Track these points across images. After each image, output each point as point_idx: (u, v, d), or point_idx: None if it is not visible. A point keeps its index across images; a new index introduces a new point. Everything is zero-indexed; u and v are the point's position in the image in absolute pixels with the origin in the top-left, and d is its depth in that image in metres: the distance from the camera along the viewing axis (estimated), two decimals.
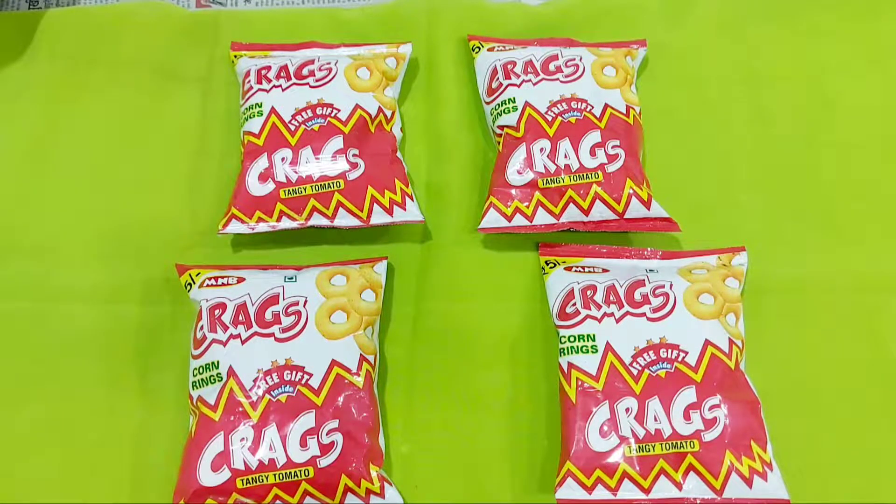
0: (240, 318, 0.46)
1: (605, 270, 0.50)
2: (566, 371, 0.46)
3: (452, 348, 0.50)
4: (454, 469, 0.47)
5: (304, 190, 0.50)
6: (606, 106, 0.53)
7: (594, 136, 0.51)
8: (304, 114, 0.52)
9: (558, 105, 0.52)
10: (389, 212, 0.50)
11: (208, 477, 0.42)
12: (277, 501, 0.43)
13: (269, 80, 0.54)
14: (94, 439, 0.47)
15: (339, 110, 0.52)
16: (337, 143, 0.51)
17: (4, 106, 0.57)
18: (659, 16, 0.60)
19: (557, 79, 0.54)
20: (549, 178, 0.51)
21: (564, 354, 0.47)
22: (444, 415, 0.48)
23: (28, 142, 0.56)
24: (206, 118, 0.57)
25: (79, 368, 0.49)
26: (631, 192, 0.50)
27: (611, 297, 0.48)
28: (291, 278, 0.48)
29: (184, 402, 0.46)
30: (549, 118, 0.52)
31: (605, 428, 0.44)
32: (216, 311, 0.46)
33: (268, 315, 0.46)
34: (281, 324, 0.46)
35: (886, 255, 0.52)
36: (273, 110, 0.52)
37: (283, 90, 0.53)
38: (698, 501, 0.43)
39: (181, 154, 0.55)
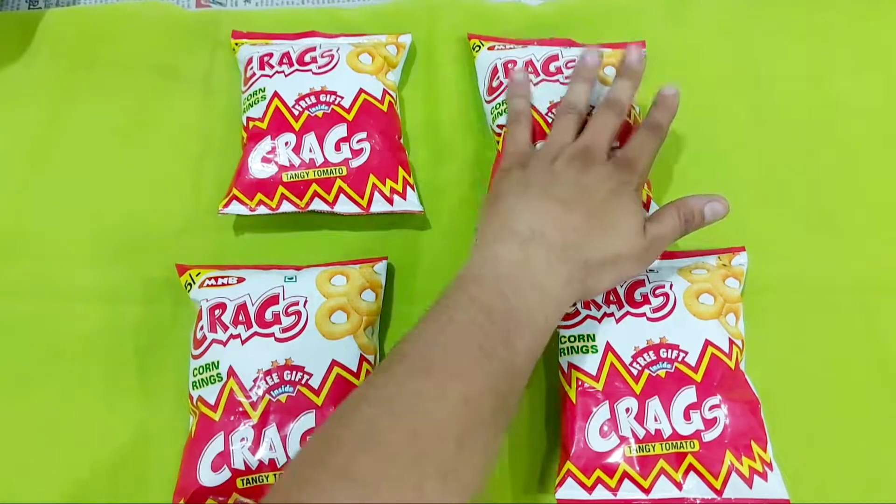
0: (240, 318, 0.46)
1: None
2: (566, 371, 0.46)
3: None
4: None
5: (307, 174, 0.50)
6: None
7: None
8: (307, 99, 0.52)
9: (558, 106, 0.52)
10: (389, 201, 0.51)
11: (208, 477, 0.43)
12: None
13: (272, 67, 0.54)
14: (94, 439, 0.48)
15: (342, 97, 0.53)
16: (340, 131, 0.52)
17: (4, 106, 0.58)
18: (659, 16, 0.61)
19: (558, 80, 0.54)
20: None
21: (564, 354, 0.47)
22: None
23: (29, 142, 0.56)
24: (207, 118, 0.57)
25: (79, 368, 0.49)
26: None
27: (611, 297, 0.48)
28: (291, 278, 0.48)
29: (184, 401, 0.46)
30: (550, 119, 0.52)
31: (606, 428, 0.44)
32: (216, 312, 0.47)
33: (268, 315, 0.46)
34: (281, 324, 0.46)
35: (886, 255, 0.52)
36: (276, 94, 0.53)
37: (286, 76, 0.54)
38: (698, 501, 0.43)
39: (182, 154, 0.56)
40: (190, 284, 0.49)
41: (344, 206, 0.51)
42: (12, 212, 0.54)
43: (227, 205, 0.51)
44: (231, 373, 0.45)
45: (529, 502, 0.46)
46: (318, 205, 0.51)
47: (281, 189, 0.51)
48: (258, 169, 0.51)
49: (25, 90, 0.58)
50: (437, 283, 0.51)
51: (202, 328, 0.47)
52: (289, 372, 0.45)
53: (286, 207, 0.51)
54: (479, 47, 0.57)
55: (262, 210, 0.50)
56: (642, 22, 0.60)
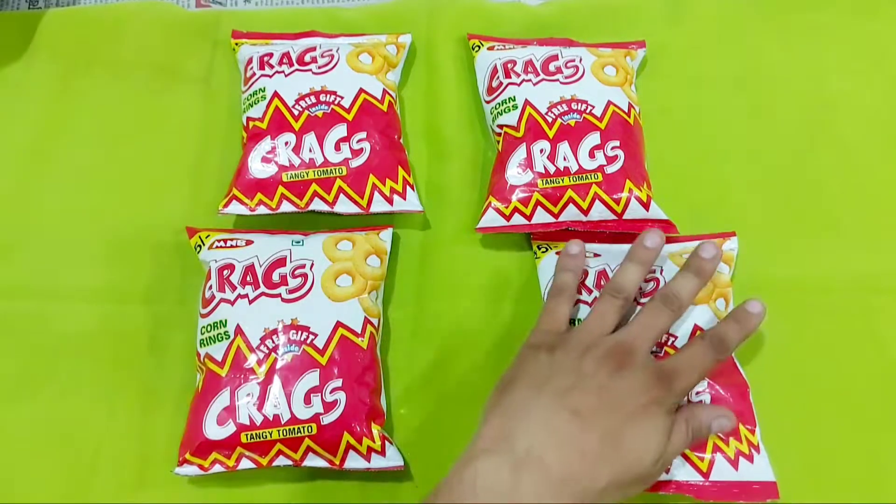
0: (248, 278, 0.48)
1: (596, 255, 0.50)
2: None
3: (451, 348, 0.50)
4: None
5: (307, 174, 0.51)
6: (609, 103, 0.53)
7: (593, 139, 0.52)
8: (307, 99, 0.53)
9: (558, 106, 0.53)
10: (389, 201, 0.51)
11: (214, 430, 0.44)
12: (280, 457, 0.44)
13: (272, 66, 0.55)
14: (94, 439, 0.48)
15: (342, 97, 0.53)
16: (341, 130, 0.52)
17: (4, 106, 0.58)
18: (659, 16, 0.61)
19: (557, 80, 0.54)
20: (548, 179, 0.51)
21: None
22: (442, 413, 0.48)
23: (28, 142, 0.57)
24: (207, 118, 0.58)
25: (79, 368, 0.50)
26: (630, 193, 0.51)
27: (601, 282, 0.48)
28: (299, 242, 0.50)
29: (185, 402, 0.47)
30: (549, 119, 0.52)
31: None
32: (224, 272, 0.48)
33: (275, 276, 0.48)
34: (288, 285, 0.48)
35: (886, 256, 0.53)
36: (276, 94, 0.53)
37: (286, 76, 0.54)
38: (685, 483, 0.44)
39: (182, 154, 0.56)
40: (199, 246, 0.50)
41: (344, 206, 0.51)
42: (12, 211, 0.55)
43: (227, 205, 0.51)
44: (238, 331, 0.46)
45: None
46: (318, 205, 0.51)
47: (281, 189, 0.51)
48: (258, 169, 0.51)
49: (25, 90, 0.59)
50: (436, 283, 0.52)
51: (210, 287, 0.48)
52: (294, 331, 0.46)
53: (286, 207, 0.51)
54: (479, 47, 0.58)
55: (262, 210, 0.51)
56: (642, 22, 0.61)
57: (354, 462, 0.45)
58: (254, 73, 0.55)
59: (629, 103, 0.54)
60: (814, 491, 0.46)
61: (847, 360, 0.50)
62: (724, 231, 0.53)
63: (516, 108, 0.53)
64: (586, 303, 0.48)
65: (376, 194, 0.51)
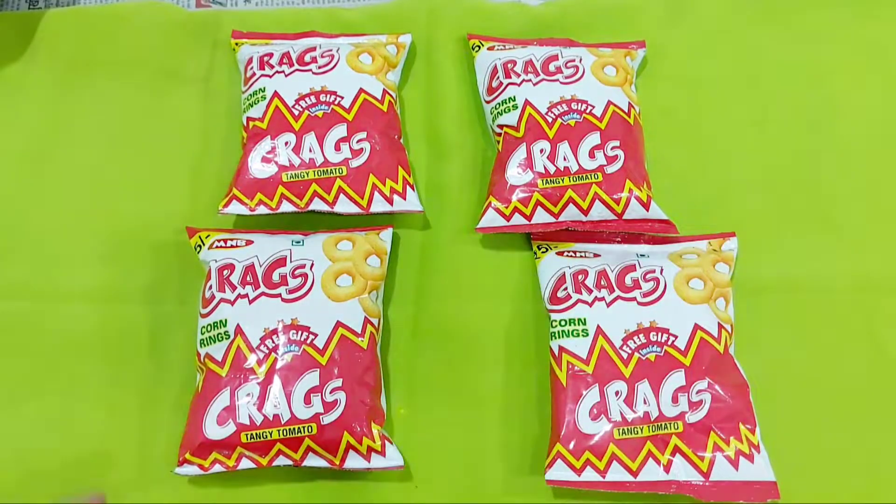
0: (248, 278, 0.48)
1: (596, 255, 0.51)
2: (557, 354, 0.47)
3: (451, 348, 0.50)
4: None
5: (307, 174, 0.51)
6: (609, 103, 0.53)
7: (593, 139, 0.52)
8: (307, 99, 0.53)
9: (558, 106, 0.53)
10: (389, 201, 0.51)
11: (214, 430, 0.44)
12: (280, 457, 0.44)
13: (272, 66, 0.55)
14: (95, 439, 0.48)
15: (342, 97, 0.53)
16: (341, 130, 0.52)
17: (4, 106, 0.58)
18: (659, 16, 0.61)
19: (557, 80, 0.54)
20: (548, 179, 0.51)
21: (555, 338, 0.48)
22: (442, 413, 0.48)
23: (28, 142, 0.57)
24: (207, 118, 0.58)
25: (79, 368, 0.50)
26: (630, 193, 0.51)
27: (602, 282, 0.48)
28: (299, 242, 0.50)
29: (185, 402, 0.47)
30: (549, 119, 0.53)
31: (595, 410, 0.45)
32: (224, 272, 0.48)
33: (275, 276, 0.48)
34: (288, 285, 0.48)
35: (885, 256, 0.53)
36: (276, 94, 0.53)
37: (286, 76, 0.54)
38: (685, 483, 0.44)
39: (182, 154, 0.56)
40: (199, 246, 0.50)
41: (344, 206, 0.51)
42: (12, 211, 0.55)
43: (227, 205, 0.51)
44: (238, 331, 0.46)
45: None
46: (318, 205, 0.51)
47: (281, 189, 0.51)
48: (258, 169, 0.51)
49: (25, 90, 0.59)
50: (436, 283, 0.52)
51: (210, 287, 0.48)
52: (295, 331, 0.46)
53: (286, 207, 0.51)
54: (479, 47, 0.58)
55: (262, 210, 0.51)
56: (642, 22, 0.61)
57: (354, 462, 0.45)
58: (254, 73, 0.55)
59: (629, 103, 0.54)
60: (814, 491, 0.46)
61: (846, 361, 0.50)
62: (724, 231, 0.53)
63: (516, 108, 0.53)
64: (586, 303, 0.48)
65: (376, 194, 0.51)
